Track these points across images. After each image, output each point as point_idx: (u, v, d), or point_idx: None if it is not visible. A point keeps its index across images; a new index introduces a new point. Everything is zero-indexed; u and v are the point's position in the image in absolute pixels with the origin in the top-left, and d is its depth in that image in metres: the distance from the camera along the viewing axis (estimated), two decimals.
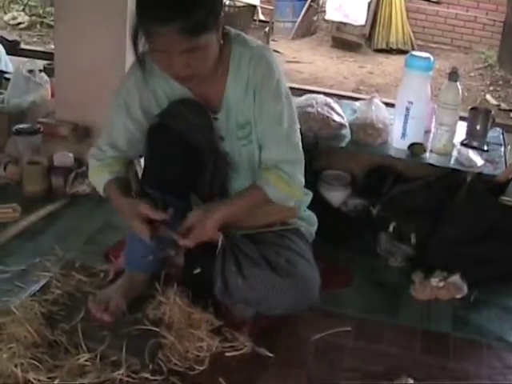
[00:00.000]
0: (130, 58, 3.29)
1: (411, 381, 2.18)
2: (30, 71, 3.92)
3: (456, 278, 2.77)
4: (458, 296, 2.76)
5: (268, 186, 2.38)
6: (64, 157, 3.44)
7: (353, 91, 7.18)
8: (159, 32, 2.10)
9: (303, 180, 2.47)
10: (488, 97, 7.54)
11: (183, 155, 2.39)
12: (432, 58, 3.35)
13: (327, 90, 5.89)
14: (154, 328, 2.34)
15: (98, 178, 2.48)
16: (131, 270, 2.55)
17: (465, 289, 2.77)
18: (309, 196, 2.74)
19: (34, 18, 9.31)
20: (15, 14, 9.34)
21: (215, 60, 2.25)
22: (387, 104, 3.62)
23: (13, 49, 5.16)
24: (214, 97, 2.42)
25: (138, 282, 2.53)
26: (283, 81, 2.40)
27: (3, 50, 4.61)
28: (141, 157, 2.58)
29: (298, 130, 2.46)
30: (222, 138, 2.48)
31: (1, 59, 4.52)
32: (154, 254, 2.42)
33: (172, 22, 2.06)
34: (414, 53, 3.54)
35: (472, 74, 8.44)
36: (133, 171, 2.48)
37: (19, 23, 9.11)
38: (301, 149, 2.45)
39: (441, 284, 2.75)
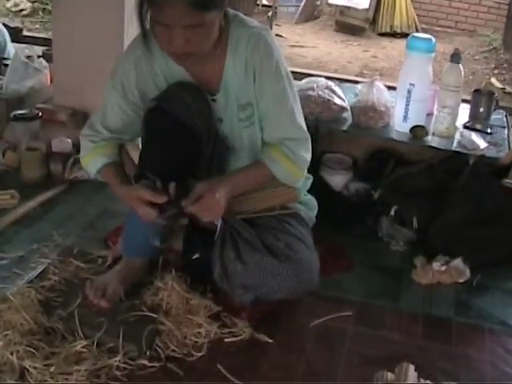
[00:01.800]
0: (128, 43, 3.27)
1: (412, 367, 2.14)
2: (29, 57, 3.89)
3: (458, 262, 2.74)
4: (461, 280, 2.73)
5: (271, 161, 2.37)
6: (62, 142, 3.42)
7: (356, 75, 7.14)
8: (169, 3, 2.06)
9: (309, 158, 2.45)
10: (493, 80, 7.50)
11: (180, 139, 2.35)
12: (434, 40, 3.30)
13: (330, 74, 5.86)
14: (151, 314, 2.32)
15: (92, 160, 2.46)
16: (129, 256, 2.53)
17: (467, 273, 2.74)
18: (309, 180, 2.72)
19: (36, 4, 9.30)
20: (17, 0, 9.32)
21: (215, 40, 2.22)
22: (391, 87, 3.58)
23: (15, 36, 5.12)
24: (213, 78, 2.39)
25: (135, 268, 2.51)
26: (283, 62, 2.37)
27: (8, 38, 4.59)
28: (132, 140, 2.56)
29: (301, 112, 2.44)
30: (220, 120, 2.45)
31: (6, 46, 4.51)
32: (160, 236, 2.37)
33: None
34: (416, 34, 3.50)
35: (477, 58, 8.39)
36: (127, 155, 2.44)
37: (21, 10, 9.11)
38: (305, 129, 2.43)
39: (443, 268, 2.73)
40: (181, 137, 2.34)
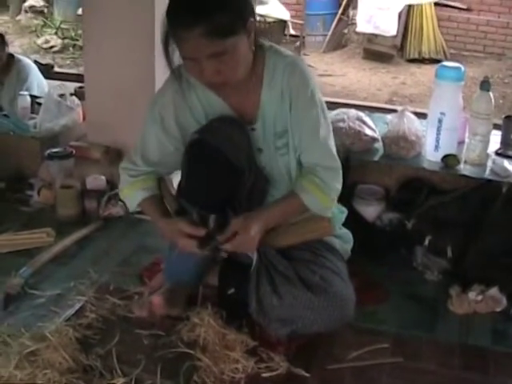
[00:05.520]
0: (159, 79, 3.32)
1: None
2: (61, 95, 3.94)
3: (494, 291, 2.72)
4: (498, 309, 2.71)
5: (303, 192, 2.38)
6: (97, 180, 3.46)
7: (386, 102, 7.15)
8: (185, 37, 2.12)
9: (339, 187, 2.45)
10: None
11: (223, 172, 2.36)
12: (463, 68, 3.30)
13: (359, 103, 5.88)
14: (188, 350, 2.33)
15: (132, 194, 2.50)
16: (172, 283, 2.55)
17: (504, 301, 2.72)
18: (344, 214, 2.71)
19: (66, 40, 9.44)
20: (48, 37, 9.48)
21: (247, 66, 2.27)
22: (421, 114, 3.57)
23: (46, 72, 5.20)
24: (250, 107, 2.42)
25: (178, 294, 2.52)
26: (318, 91, 2.41)
27: (39, 75, 4.69)
28: (170, 174, 2.60)
29: (333, 141, 2.46)
30: (260, 150, 2.47)
31: (29, 80, 4.62)
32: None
33: (196, 25, 2.08)
34: (445, 63, 3.49)
35: (506, 81, 8.36)
36: (167, 188, 2.44)
37: (52, 46, 9.25)
38: (337, 158, 2.45)
39: (479, 297, 2.71)
40: (223, 169, 2.35)
